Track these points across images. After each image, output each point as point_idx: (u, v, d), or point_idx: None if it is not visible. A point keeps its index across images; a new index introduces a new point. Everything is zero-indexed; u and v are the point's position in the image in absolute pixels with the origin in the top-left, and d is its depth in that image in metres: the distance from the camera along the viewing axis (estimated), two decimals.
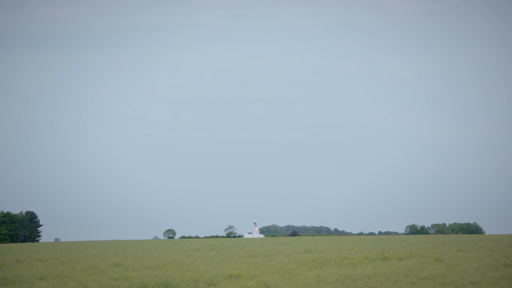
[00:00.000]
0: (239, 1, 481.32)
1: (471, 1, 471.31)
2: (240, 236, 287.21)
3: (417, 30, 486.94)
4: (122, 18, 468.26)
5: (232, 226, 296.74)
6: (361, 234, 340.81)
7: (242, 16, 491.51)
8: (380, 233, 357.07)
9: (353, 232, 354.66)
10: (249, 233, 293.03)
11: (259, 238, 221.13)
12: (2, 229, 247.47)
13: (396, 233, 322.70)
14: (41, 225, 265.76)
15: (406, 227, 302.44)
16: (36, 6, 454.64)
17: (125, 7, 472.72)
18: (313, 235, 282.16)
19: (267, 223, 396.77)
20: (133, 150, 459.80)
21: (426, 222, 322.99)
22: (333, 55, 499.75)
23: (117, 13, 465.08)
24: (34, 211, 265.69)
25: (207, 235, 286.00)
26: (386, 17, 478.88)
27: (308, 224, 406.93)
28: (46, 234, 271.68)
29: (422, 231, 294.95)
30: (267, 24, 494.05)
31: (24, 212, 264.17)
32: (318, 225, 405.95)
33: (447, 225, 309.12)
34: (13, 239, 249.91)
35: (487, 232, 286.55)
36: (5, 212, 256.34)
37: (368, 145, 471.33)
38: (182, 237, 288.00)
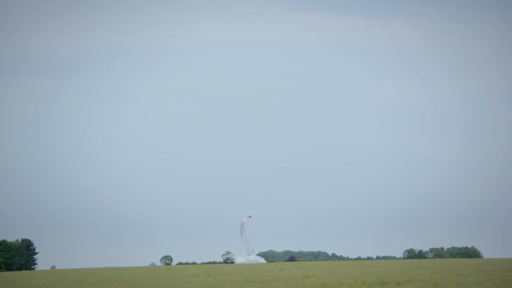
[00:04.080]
0: (234, 25, 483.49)
1: (472, 24, 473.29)
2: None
3: (413, 54, 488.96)
4: (117, 41, 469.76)
5: (230, 252, 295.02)
6: (359, 258, 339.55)
7: (238, 39, 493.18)
8: (378, 257, 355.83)
9: (351, 257, 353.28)
10: (245, 257, 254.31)
11: (256, 264, 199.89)
12: None
13: (394, 258, 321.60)
14: (37, 252, 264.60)
15: (404, 251, 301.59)
16: (31, 32, 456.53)
17: (120, 30, 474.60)
18: (311, 260, 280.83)
19: (265, 248, 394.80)
20: (132, 175, 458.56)
21: (424, 246, 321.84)
22: (332, 77, 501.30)
23: (111, 37, 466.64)
24: (30, 239, 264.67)
25: (204, 261, 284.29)
26: (383, 40, 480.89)
27: (306, 249, 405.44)
28: (42, 262, 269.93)
29: (420, 255, 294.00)
30: (262, 47, 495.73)
31: (20, 240, 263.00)
32: (316, 250, 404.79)
33: (445, 249, 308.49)
34: (9, 267, 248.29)
35: (485, 256, 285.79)
36: (0, 240, 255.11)
37: (364, 168, 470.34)
38: (179, 263, 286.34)
